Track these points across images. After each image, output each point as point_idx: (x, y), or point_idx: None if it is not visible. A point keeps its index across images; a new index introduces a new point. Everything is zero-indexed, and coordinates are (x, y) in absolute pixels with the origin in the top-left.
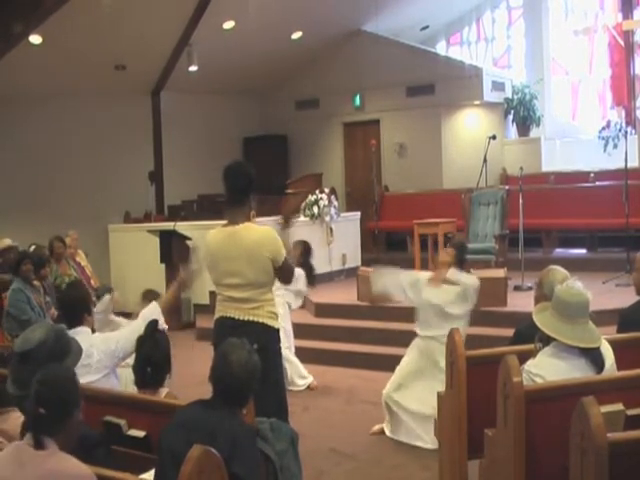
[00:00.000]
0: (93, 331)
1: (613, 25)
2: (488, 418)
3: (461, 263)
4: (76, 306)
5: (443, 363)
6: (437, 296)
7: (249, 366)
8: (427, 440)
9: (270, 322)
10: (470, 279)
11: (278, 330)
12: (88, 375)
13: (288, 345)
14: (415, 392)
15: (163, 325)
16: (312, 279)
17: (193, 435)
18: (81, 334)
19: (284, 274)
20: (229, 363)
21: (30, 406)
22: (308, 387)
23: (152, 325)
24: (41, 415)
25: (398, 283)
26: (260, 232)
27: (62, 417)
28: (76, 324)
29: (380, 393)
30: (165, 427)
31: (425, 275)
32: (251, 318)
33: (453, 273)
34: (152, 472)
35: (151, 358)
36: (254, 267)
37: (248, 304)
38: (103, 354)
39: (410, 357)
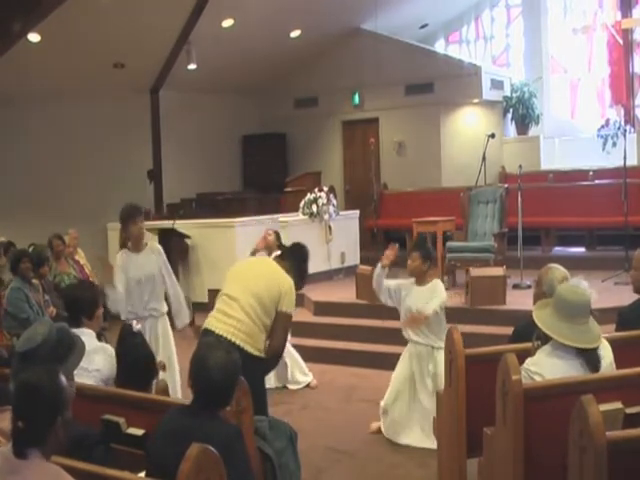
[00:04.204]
0: (99, 336)
1: (612, 23)
2: (487, 416)
3: (429, 259)
4: (82, 307)
5: (431, 367)
6: (415, 303)
7: (228, 367)
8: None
9: (247, 348)
10: (437, 302)
11: (258, 358)
12: (85, 379)
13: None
14: (405, 417)
15: (137, 326)
16: None
17: (180, 446)
18: (84, 336)
19: (278, 328)
20: (207, 368)
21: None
22: (307, 385)
23: (128, 329)
24: (20, 428)
25: (385, 287)
26: (286, 276)
27: (43, 429)
28: (79, 325)
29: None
30: (151, 439)
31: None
32: (229, 337)
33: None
34: None
35: (129, 362)
36: (261, 288)
37: (233, 321)
38: (108, 366)
39: (402, 363)
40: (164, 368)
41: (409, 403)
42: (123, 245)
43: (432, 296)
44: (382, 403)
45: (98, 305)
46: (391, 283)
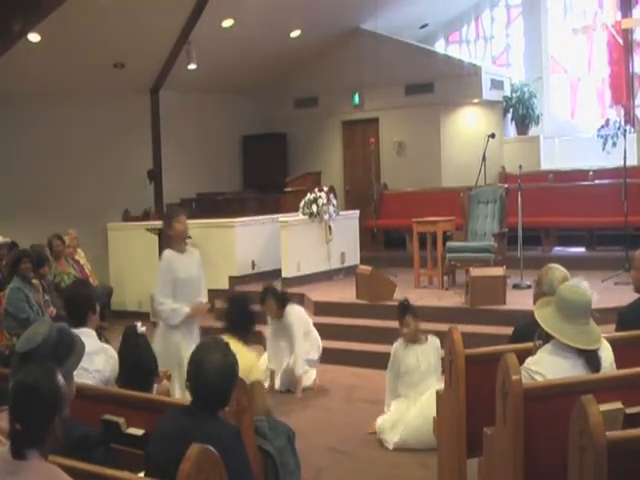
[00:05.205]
0: (98, 336)
1: (612, 23)
2: (487, 416)
3: (418, 315)
4: (81, 305)
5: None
6: (426, 360)
7: (225, 369)
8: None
9: None
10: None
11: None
12: (85, 379)
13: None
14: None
15: (142, 328)
16: None
17: (180, 446)
18: (83, 336)
19: (255, 397)
20: (203, 371)
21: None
22: (308, 386)
23: (132, 330)
24: (18, 429)
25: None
26: (246, 354)
27: (41, 429)
28: (80, 324)
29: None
30: (150, 440)
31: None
32: None
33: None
34: None
35: (131, 362)
36: None
37: None
38: (109, 367)
39: (401, 402)
40: (169, 378)
41: (408, 422)
42: (167, 245)
43: (438, 355)
44: (379, 421)
45: (96, 302)
46: (392, 379)
